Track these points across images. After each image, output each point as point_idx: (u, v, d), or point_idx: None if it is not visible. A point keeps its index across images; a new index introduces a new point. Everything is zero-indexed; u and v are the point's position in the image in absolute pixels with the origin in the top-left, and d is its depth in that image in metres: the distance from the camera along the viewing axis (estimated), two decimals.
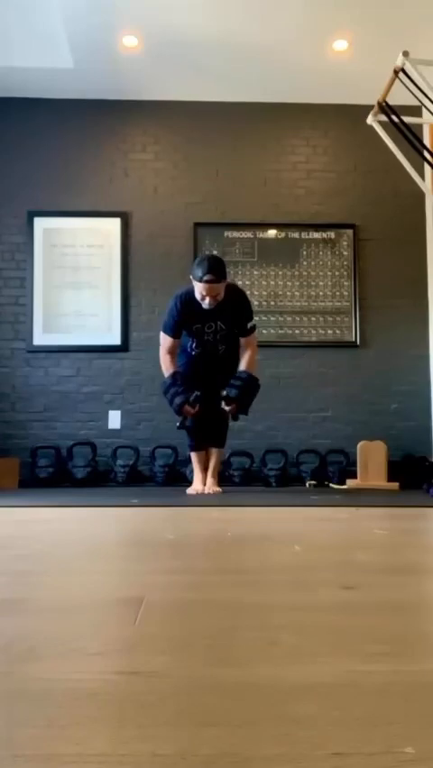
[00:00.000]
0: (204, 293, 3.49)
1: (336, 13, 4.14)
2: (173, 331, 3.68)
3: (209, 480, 3.83)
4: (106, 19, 4.20)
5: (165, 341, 3.72)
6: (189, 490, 3.81)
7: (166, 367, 3.71)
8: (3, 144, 5.11)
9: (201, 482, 3.83)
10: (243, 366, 3.71)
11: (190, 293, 3.58)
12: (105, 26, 4.27)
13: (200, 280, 3.46)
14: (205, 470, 3.86)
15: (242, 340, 3.74)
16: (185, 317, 3.63)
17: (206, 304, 3.54)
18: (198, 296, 3.53)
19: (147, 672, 0.65)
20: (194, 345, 3.73)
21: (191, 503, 3.04)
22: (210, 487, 3.79)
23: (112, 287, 5.05)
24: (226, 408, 3.64)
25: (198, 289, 3.50)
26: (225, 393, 3.62)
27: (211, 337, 3.70)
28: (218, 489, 3.79)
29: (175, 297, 3.68)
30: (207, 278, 3.44)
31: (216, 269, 3.47)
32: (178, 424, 3.71)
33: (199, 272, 3.45)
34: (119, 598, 1.01)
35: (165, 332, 3.71)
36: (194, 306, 3.58)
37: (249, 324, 3.72)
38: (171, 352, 3.72)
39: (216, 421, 3.83)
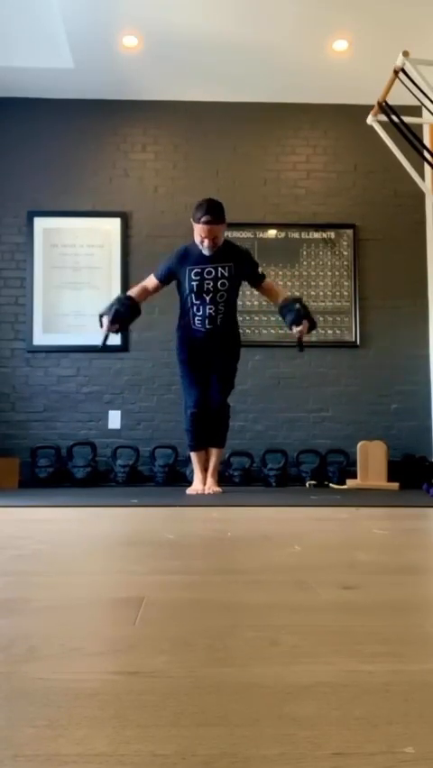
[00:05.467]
0: (202, 235, 3.53)
1: (336, 13, 4.14)
2: (162, 274, 3.74)
3: (209, 479, 3.83)
4: (107, 19, 4.20)
5: (149, 280, 3.79)
6: (189, 490, 3.81)
7: (130, 290, 3.79)
8: (3, 144, 5.11)
9: (201, 482, 3.83)
10: (280, 299, 3.73)
11: (190, 244, 3.66)
12: (105, 26, 4.27)
13: (198, 221, 3.51)
14: (205, 469, 3.86)
15: (263, 286, 3.78)
16: (180, 261, 3.67)
17: (205, 247, 3.56)
18: (197, 239, 3.58)
19: (147, 671, 0.65)
20: (195, 310, 3.68)
21: (191, 503, 3.04)
22: (210, 487, 3.79)
23: (112, 287, 5.05)
24: (297, 330, 3.62)
25: (197, 231, 3.55)
26: (292, 316, 3.61)
27: (212, 285, 3.65)
28: (218, 488, 3.79)
29: (176, 248, 3.78)
30: (206, 218, 3.48)
31: (214, 210, 3.50)
32: (101, 345, 3.75)
33: (198, 214, 3.50)
34: (119, 598, 1.01)
35: (154, 273, 3.77)
36: (192, 252, 3.65)
37: (259, 270, 3.78)
38: (146, 288, 3.77)
39: (216, 420, 3.83)
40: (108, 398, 4.97)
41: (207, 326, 3.71)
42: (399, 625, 0.84)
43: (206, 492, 3.72)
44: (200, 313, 3.70)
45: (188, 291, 3.69)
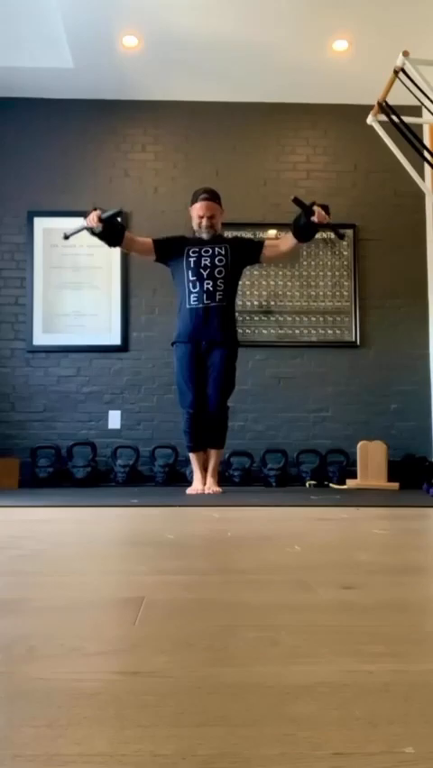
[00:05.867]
0: (201, 213, 3.70)
1: (336, 13, 4.14)
2: (158, 237, 3.82)
3: (209, 480, 3.82)
4: (106, 19, 4.20)
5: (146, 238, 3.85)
6: (189, 490, 3.81)
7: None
8: (3, 144, 5.11)
9: (201, 482, 3.83)
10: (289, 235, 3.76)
11: (189, 235, 3.87)
12: (105, 26, 4.27)
13: (197, 200, 3.74)
14: (204, 469, 3.86)
15: (267, 246, 3.81)
16: (180, 241, 3.79)
17: (203, 227, 3.70)
18: (195, 222, 3.76)
19: (147, 671, 0.65)
20: (191, 287, 3.70)
21: (191, 503, 3.04)
22: (210, 487, 3.78)
23: (112, 287, 5.05)
24: (316, 220, 3.54)
25: (195, 212, 3.73)
26: (300, 219, 3.60)
27: (209, 262, 3.70)
28: (218, 489, 3.79)
29: None
30: (204, 196, 3.72)
31: (211, 191, 3.79)
32: (65, 233, 3.65)
33: (196, 195, 3.77)
34: (119, 599, 1.01)
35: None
36: (191, 239, 3.82)
37: (255, 239, 3.92)
38: (136, 239, 3.79)
39: (215, 423, 3.81)
40: (108, 398, 4.97)
41: (205, 302, 3.70)
42: (399, 625, 0.84)
43: (205, 492, 3.72)
44: (196, 289, 3.71)
45: (185, 269, 3.74)
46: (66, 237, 3.66)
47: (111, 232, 3.60)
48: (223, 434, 3.86)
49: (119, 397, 4.98)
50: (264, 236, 3.85)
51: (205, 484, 3.81)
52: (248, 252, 3.81)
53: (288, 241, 3.78)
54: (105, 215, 3.50)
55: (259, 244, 3.85)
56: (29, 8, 4.10)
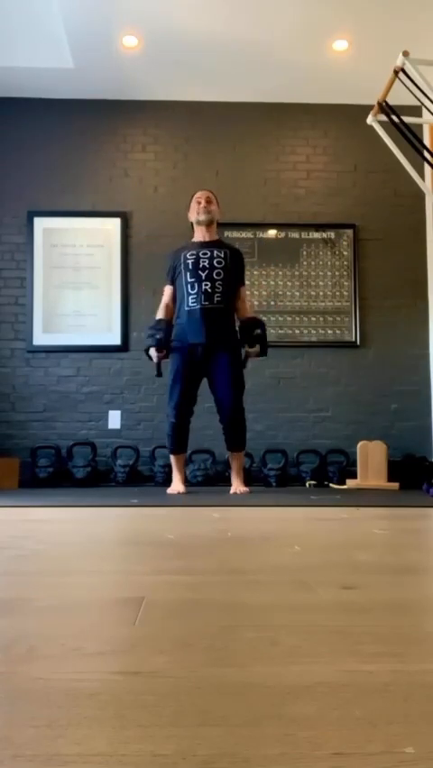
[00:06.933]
0: (199, 198, 3.84)
1: (336, 13, 4.14)
2: (169, 276, 3.89)
3: (236, 480, 3.77)
4: (106, 19, 4.20)
5: (165, 292, 3.93)
6: (170, 491, 3.75)
7: (158, 313, 3.90)
8: (3, 144, 5.11)
9: (181, 482, 3.78)
10: (246, 315, 3.86)
11: (184, 243, 3.95)
12: (105, 26, 4.27)
13: (196, 192, 3.93)
14: (183, 472, 3.87)
15: (240, 290, 3.87)
16: (177, 253, 3.84)
17: (201, 210, 3.80)
18: (193, 214, 3.86)
19: (147, 671, 0.65)
20: (189, 288, 3.71)
21: (191, 503, 3.04)
22: (238, 487, 3.74)
23: (112, 287, 5.05)
24: (249, 350, 3.77)
25: (194, 201, 3.87)
26: (250, 339, 3.75)
27: (207, 263, 3.71)
28: (245, 488, 3.74)
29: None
30: (202, 190, 3.93)
31: (208, 190, 3.99)
32: (156, 373, 3.88)
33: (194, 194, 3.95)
34: (119, 598, 1.01)
35: (165, 285, 3.93)
36: (187, 245, 3.87)
37: (244, 276, 3.95)
38: (167, 303, 3.88)
39: (234, 426, 3.73)
40: (108, 398, 4.97)
41: (203, 303, 3.67)
42: (399, 625, 0.84)
43: (236, 492, 3.69)
44: (195, 291, 3.70)
45: (183, 271, 3.74)
46: (159, 375, 3.88)
47: (169, 338, 3.80)
48: (243, 435, 3.77)
49: (119, 397, 4.98)
50: (243, 286, 3.92)
51: (184, 485, 3.79)
52: (236, 274, 3.86)
53: (241, 311, 3.85)
54: (156, 345, 3.79)
55: (241, 282, 3.89)
56: (29, 8, 4.10)
